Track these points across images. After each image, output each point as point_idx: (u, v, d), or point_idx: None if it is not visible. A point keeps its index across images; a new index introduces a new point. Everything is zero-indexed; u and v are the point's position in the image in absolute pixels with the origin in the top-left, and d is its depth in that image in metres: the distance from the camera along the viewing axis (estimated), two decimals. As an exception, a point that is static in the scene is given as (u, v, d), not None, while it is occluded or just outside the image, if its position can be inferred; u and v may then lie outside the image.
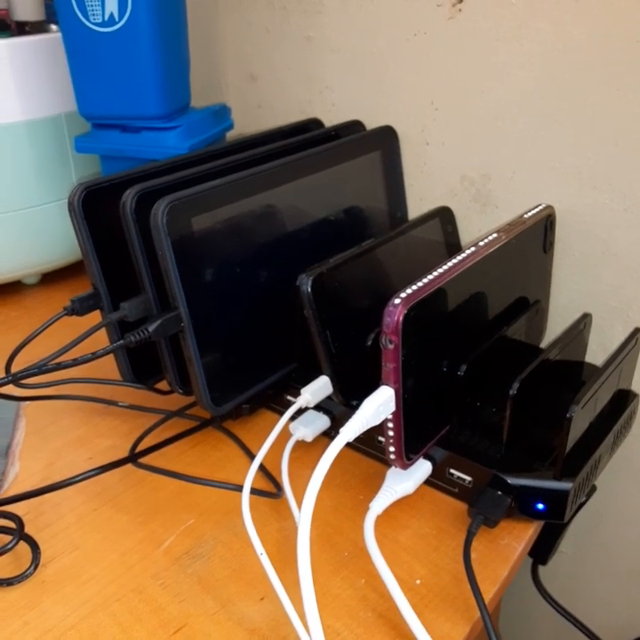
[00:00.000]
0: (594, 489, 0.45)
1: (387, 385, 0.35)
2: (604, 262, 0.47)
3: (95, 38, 0.51)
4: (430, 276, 0.37)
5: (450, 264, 0.38)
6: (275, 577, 0.33)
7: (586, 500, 0.42)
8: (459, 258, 0.39)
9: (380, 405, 0.35)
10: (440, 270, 0.37)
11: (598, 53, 0.43)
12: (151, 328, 0.39)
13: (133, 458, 0.42)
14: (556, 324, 0.51)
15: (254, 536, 0.35)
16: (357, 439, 0.36)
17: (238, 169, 0.44)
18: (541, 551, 0.47)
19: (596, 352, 0.49)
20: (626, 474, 0.52)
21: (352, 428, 0.34)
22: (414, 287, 0.36)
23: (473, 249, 0.40)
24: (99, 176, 0.51)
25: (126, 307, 0.41)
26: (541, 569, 0.52)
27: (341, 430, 0.34)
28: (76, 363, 0.38)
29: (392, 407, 0.35)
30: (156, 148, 0.54)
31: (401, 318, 0.34)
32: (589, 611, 0.59)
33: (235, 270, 0.43)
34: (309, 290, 0.39)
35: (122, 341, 0.39)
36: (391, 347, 0.34)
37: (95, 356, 0.38)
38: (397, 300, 0.34)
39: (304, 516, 0.31)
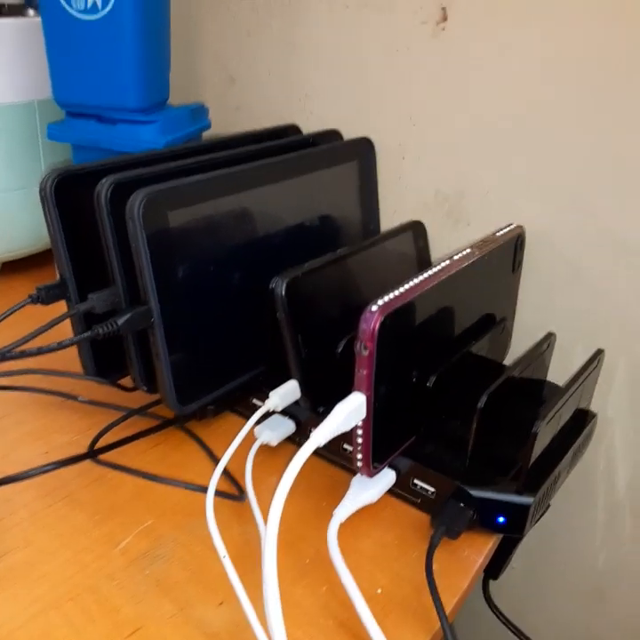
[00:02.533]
0: (548, 506, 0.46)
1: (359, 391, 0.35)
2: (571, 284, 0.48)
3: (76, 26, 0.50)
4: (407, 286, 0.37)
5: (425, 275, 0.39)
6: (237, 581, 0.33)
7: (539, 517, 0.43)
8: (434, 270, 0.39)
9: (351, 411, 0.35)
10: (416, 280, 0.38)
11: (576, 81, 0.44)
12: (120, 321, 0.38)
13: (93, 454, 0.41)
14: (519, 341, 0.52)
15: (218, 539, 0.35)
16: (323, 446, 0.36)
17: (216, 167, 0.43)
18: (494, 566, 0.48)
19: (557, 371, 0.50)
20: (580, 493, 0.53)
21: (323, 433, 0.34)
22: (391, 295, 0.36)
23: (448, 262, 0.40)
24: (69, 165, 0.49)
25: (94, 298, 0.40)
26: (491, 582, 0.53)
27: (312, 435, 0.34)
28: (40, 351, 0.37)
29: (363, 414, 0.35)
30: (131, 142, 0.53)
31: (377, 325, 0.34)
32: (537, 626, 0.60)
33: (208, 268, 0.42)
34: (283, 293, 0.39)
35: (89, 332, 0.38)
36: (366, 353, 0.34)
37: (62, 346, 0.37)
38: (374, 308, 0.34)
39: (272, 522, 0.31)
